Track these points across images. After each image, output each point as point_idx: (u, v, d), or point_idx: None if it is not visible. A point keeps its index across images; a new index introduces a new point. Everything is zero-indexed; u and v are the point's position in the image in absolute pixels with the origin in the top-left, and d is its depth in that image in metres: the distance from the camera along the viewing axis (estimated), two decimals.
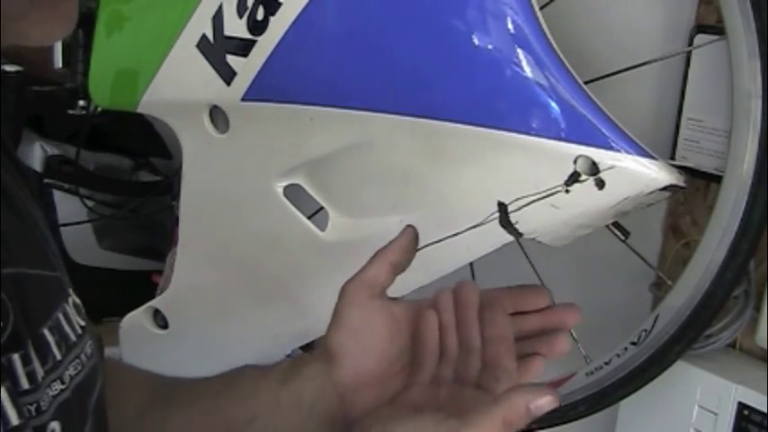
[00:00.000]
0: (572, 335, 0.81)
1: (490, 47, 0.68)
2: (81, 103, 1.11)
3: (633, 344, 0.76)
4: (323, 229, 0.86)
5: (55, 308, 0.48)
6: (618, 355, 0.77)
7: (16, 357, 0.42)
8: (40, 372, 0.45)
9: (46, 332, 0.46)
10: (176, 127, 0.91)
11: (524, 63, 0.67)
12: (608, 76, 0.75)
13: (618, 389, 0.77)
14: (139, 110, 0.92)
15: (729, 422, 0.75)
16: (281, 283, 0.90)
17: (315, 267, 0.88)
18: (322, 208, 0.86)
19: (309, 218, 0.87)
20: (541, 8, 0.68)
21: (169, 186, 1.25)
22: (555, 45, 0.67)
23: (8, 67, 1.25)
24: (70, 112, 1.11)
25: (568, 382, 0.80)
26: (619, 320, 0.81)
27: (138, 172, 1.44)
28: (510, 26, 0.67)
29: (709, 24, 0.76)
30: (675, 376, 0.77)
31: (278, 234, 0.88)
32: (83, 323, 0.51)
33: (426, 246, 0.79)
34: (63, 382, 0.47)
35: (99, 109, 1.07)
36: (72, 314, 0.50)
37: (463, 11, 0.68)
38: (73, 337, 0.49)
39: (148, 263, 1.38)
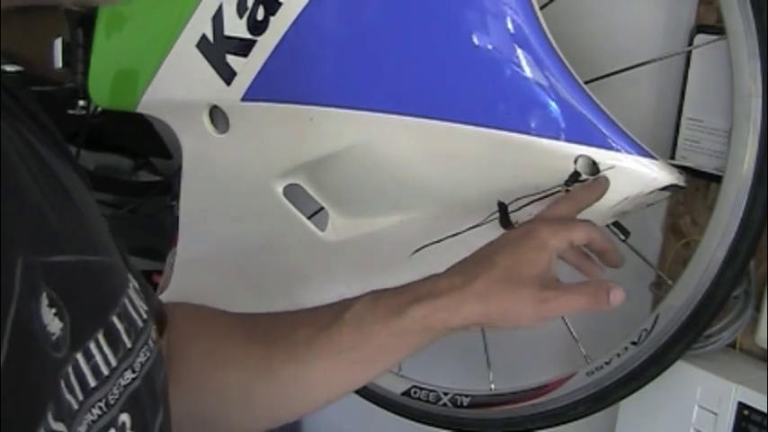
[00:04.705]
0: (572, 334, 0.81)
1: (490, 47, 0.68)
2: (81, 103, 1.11)
3: (634, 343, 0.76)
4: (323, 229, 0.86)
5: (120, 294, 0.48)
6: (618, 355, 0.77)
7: (80, 356, 0.41)
8: (113, 361, 0.44)
9: (115, 319, 0.45)
10: (176, 127, 0.91)
11: (524, 63, 0.67)
12: (608, 75, 0.75)
13: (618, 389, 0.77)
14: (139, 110, 0.92)
15: (729, 422, 0.75)
16: (282, 283, 0.90)
17: (315, 267, 0.88)
18: (322, 208, 0.86)
19: (309, 218, 0.87)
20: (541, 8, 0.68)
21: (169, 186, 1.25)
22: (555, 45, 0.67)
23: (8, 68, 1.25)
24: (70, 112, 1.11)
25: (569, 382, 0.80)
26: (619, 320, 0.81)
27: (138, 172, 1.44)
28: (510, 26, 0.67)
29: (710, 24, 0.75)
30: (675, 376, 0.76)
31: (278, 234, 0.88)
32: (146, 307, 0.50)
33: (426, 246, 0.79)
34: (134, 371, 0.46)
35: (99, 109, 1.07)
36: (135, 299, 0.49)
37: (463, 11, 0.68)
38: (140, 323, 0.48)
39: (148, 263, 1.38)
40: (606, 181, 0.67)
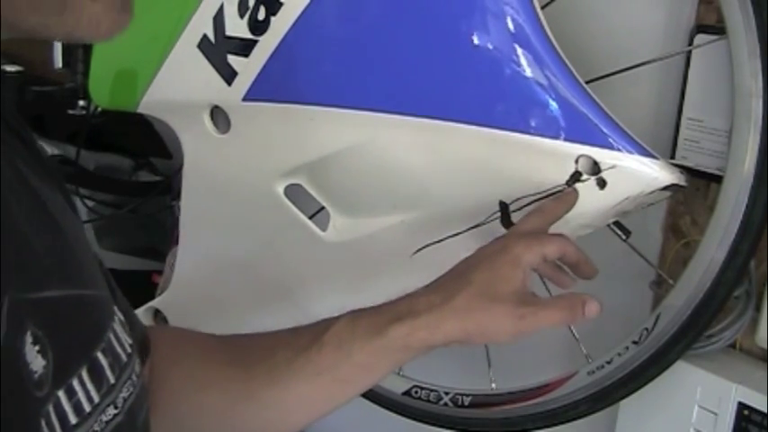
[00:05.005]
0: (573, 334, 0.81)
1: (491, 46, 0.68)
2: (81, 103, 1.11)
3: (635, 343, 0.76)
4: (324, 230, 0.86)
5: (106, 328, 0.47)
6: (619, 354, 0.77)
7: (61, 394, 0.41)
8: (95, 398, 0.44)
9: (100, 355, 0.45)
10: (177, 127, 0.91)
11: (525, 63, 0.67)
12: (608, 75, 0.75)
13: (619, 388, 0.77)
14: (140, 110, 0.92)
15: (729, 422, 0.75)
16: (282, 283, 0.90)
17: (316, 267, 0.88)
18: (323, 208, 0.86)
19: (310, 218, 0.87)
20: (542, 8, 0.68)
21: (169, 186, 1.25)
22: (556, 44, 0.67)
23: (8, 67, 1.25)
24: (70, 112, 1.11)
25: (570, 381, 0.80)
26: (620, 319, 0.81)
27: (138, 172, 1.44)
28: (511, 25, 0.67)
29: (710, 24, 0.76)
30: (675, 376, 0.77)
31: (279, 234, 0.88)
32: (130, 341, 0.50)
33: (427, 246, 0.79)
34: (116, 407, 0.46)
35: (99, 109, 1.07)
36: (120, 332, 0.49)
37: (464, 10, 0.68)
38: (124, 358, 0.48)
39: (148, 263, 1.38)
40: (575, 193, 0.68)
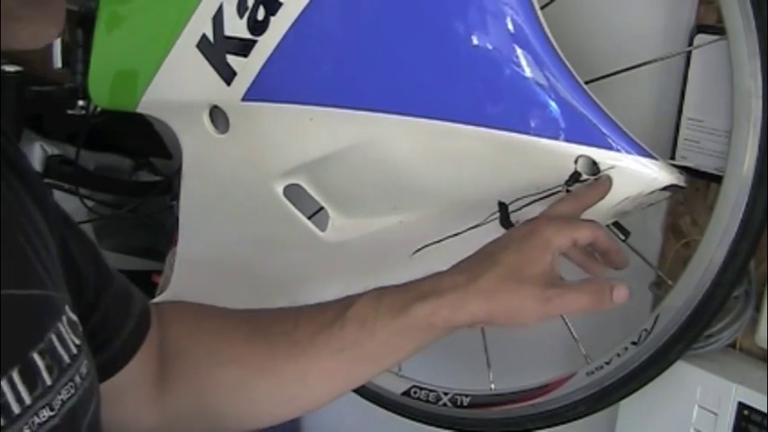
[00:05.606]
0: (572, 334, 0.81)
1: (490, 47, 0.68)
2: (81, 103, 1.11)
3: (634, 343, 0.76)
4: (323, 230, 0.86)
5: (48, 328, 0.46)
6: (618, 355, 0.77)
7: None
8: (26, 399, 0.43)
9: (36, 356, 0.44)
10: (176, 127, 0.91)
11: (524, 63, 0.67)
12: (608, 76, 0.75)
13: (618, 389, 0.77)
14: (139, 110, 0.92)
15: (729, 422, 0.75)
16: (281, 283, 0.90)
17: (315, 267, 0.88)
18: (322, 208, 0.86)
19: (309, 218, 0.87)
20: (542, 8, 0.68)
21: (169, 186, 1.25)
22: (556, 45, 0.67)
23: (8, 67, 1.25)
24: (70, 112, 1.11)
25: (569, 382, 0.80)
26: (619, 320, 0.81)
27: (138, 172, 1.44)
28: (510, 26, 0.67)
29: (710, 24, 0.76)
30: (675, 376, 0.77)
31: (278, 234, 0.88)
32: (78, 342, 0.49)
33: (426, 246, 0.79)
34: (52, 409, 0.45)
35: (99, 109, 1.07)
36: (66, 333, 0.48)
37: (463, 10, 0.68)
38: (66, 359, 0.47)
39: (148, 263, 1.38)
40: (609, 180, 0.67)
